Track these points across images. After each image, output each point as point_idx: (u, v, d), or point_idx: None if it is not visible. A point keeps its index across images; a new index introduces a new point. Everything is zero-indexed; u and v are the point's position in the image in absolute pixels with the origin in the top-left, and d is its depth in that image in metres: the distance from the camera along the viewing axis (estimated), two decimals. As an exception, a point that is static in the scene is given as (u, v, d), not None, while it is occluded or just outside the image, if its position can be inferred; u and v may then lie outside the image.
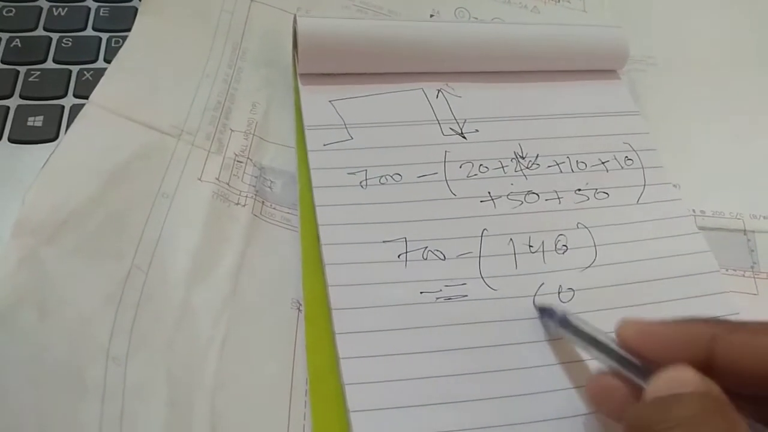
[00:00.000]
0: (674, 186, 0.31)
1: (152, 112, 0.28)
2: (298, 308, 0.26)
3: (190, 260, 0.25)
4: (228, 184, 0.28)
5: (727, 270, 0.29)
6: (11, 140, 0.29)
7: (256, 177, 0.29)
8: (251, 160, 0.29)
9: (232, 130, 0.29)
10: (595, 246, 0.28)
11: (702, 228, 0.30)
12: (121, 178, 0.26)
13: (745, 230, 0.31)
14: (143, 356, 0.23)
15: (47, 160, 0.25)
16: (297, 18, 0.30)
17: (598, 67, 0.35)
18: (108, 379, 0.22)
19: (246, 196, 0.28)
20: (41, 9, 0.33)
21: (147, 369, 0.23)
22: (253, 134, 0.30)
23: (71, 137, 0.26)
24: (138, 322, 0.23)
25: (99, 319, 0.23)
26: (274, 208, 0.28)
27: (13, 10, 0.33)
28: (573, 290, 0.27)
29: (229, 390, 0.24)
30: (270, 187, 0.29)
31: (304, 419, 0.24)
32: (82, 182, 0.25)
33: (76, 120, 0.27)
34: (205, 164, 0.28)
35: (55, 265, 0.23)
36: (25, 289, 0.22)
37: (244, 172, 0.29)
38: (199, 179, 0.28)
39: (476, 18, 0.37)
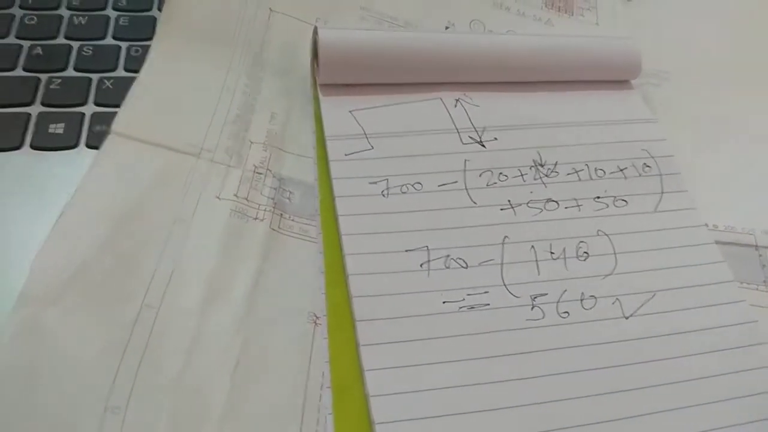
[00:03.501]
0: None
1: (173, 133, 0.28)
2: (315, 321, 0.25)
3: (205, 286, 0.25)
4: (246, 199, 0.28)
5: (739, 284, 0.29)
6: (33, 147, 0.29)
7: (275, 189, 0.28)
8: (270, 171, 0.29)
9: (251, 142, 0.29)
10: (615, 254, 0.29)
11: (715, 242, 0.30)
12: (136, 214, 0.26)
13: (756, 245, 0.31)
14: (146, 399, 0.22)
15: (61, 214, 0.25)
16: (318, 29, 0.30)
17: (612, 78, 0.35)
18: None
19: (264, 210, 0.28)
20: (62, 17, 0.33)
21: (148, 412, 0.22)
22: (272, 145, 0.30)
23: (87, 180, 0.26)
24: (144, 363, 0.23)
25: (99, 372, 0.22)
26: (292, 220, 0.28)
27: (35, 18, 0.33)
28: (595, 297, 0.27)
29: (242, 407, 0.23)
30: (289, 198, 0.29)
31: None
32: (91, 231, 0.25)
33: (95, 157, 0.27)
34: (224, 180, 0.28)
35: (55, 326, 0.23)
36: (16, 362, 0.22)
37: (263, 184, 0.28)
38: (218, 197, 0.27)
39: (491, 30, 0.37)
